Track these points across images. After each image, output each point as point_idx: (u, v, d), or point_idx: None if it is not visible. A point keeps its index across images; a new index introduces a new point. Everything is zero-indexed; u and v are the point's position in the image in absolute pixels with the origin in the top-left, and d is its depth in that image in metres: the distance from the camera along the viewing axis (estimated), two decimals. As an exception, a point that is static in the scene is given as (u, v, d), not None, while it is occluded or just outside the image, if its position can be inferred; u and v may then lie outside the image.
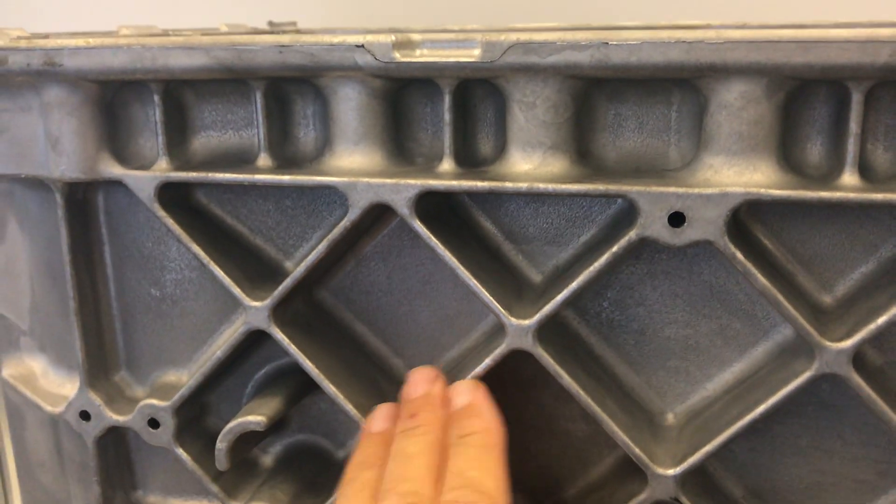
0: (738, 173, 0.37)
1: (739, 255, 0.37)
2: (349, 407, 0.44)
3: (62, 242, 0.45)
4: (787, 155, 0.39)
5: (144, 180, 0.43)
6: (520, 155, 0.40)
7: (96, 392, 0.48)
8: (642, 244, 0.39)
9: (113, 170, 0.44)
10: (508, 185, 0.39)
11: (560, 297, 0.40)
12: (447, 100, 0.41)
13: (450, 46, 0.40)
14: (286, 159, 0.44)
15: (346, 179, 0.41)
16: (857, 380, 0.37)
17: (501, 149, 0.41)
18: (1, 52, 0.42)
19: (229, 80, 0.43)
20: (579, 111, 0.40)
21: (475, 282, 0.41)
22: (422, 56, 0.40)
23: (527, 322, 0.40)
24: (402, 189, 0.40)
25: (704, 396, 0.43)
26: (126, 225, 0.47)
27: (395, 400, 0.46)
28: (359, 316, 0.47)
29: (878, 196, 0.35)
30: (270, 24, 0.83)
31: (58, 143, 0.43)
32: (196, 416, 0.49)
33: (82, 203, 0.46)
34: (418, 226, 0.41)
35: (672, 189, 0.37)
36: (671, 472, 0.40)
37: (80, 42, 0.41)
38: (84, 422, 0.48)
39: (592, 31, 0.38)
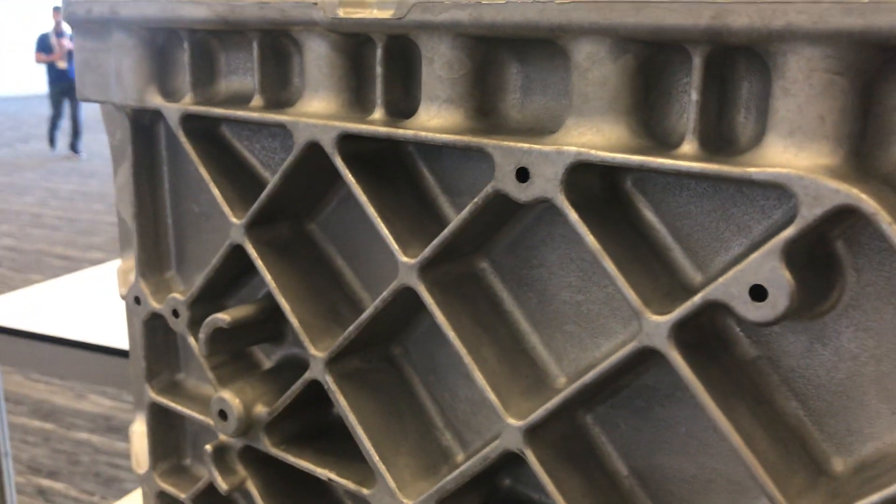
0: (581, 134, 0.38)
1: (572, 215, 0.38)
2: (293, 319, 0.50)
3: (128, 159, 0.57)
4: (649, 121, 0.38)
5: (172, 111, 0.53)
6: (423, 107, 0.44)
7: (146, 283, 0.59)
8: (499, 198, 0.40)
9: (155, 100, 0.54)
10: (379, 129, 0.43)
11: (436, 241, 0.43)
12: (379, 53, 0.45)
13: (381, 6, 0.45)
14: (279, 102, 0.52)
15: (290, 118, 0.47)
16: (676, 358, 0.36)
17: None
18: (87, 4, 0.54)
19: (246, 33, 0.52)
20: (482, 69, 0.43)
21: (378, 218, 0.45)
22: (355, 13, 0.45)
23: (412, 261, 0.44)
24: (328, 130, 0.46)
25: (591, 364, 0.43)
26: (179, 150, 0.57)
27: (348, 323, 0.52)
28: (341, 250, 0.53)
29: (695, 165, 0.34)
30: None
31: (119, 76, 0.55)
32: (215, 307, 0.58)
33: (148, 129, 0.57)
34: (339, 164, 0.46)
35: (518, 144, 0.39)
36: (518, 423, 0.41)
37: (131, -5, 0.52)
38: (136, 306, 0.60)
39: (475, -8, 0.40)
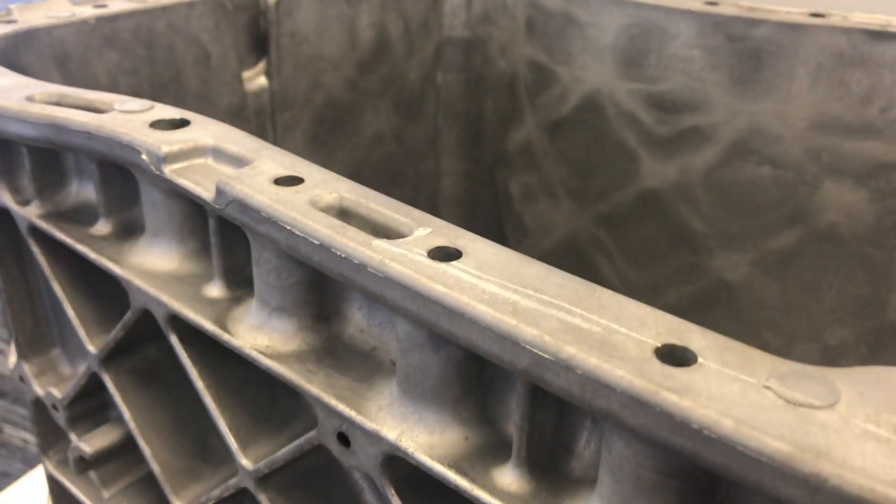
0: (404, 417, 0.32)
1: (395, 501, 0.32)
2: (155, 465, 0.46)
3: (-10, 244, 0.52)
4: (486, 400, 0.32)
5: (21, 218, 0.47)
6: (257, 308, 0.37)
7: (29, 364, 0.55)
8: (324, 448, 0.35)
9: (3, 198, 0.48)
10: (206, 325, 0.38)
11: (271, 459, 0.38)
12: (211, 223, 0.38)
13: (210, 172, 0.37)
14: (127, 225, 0.45)
15: (125, 274, 0.41)
16: None
17: (260, 289, 0.38)
18: (-84, 86, 0.47)
19: (88, 138, 0.44)
20: (319, 274, 0.36)
21: (217, 411, 0.40)
22: (178, 177, 0.38)
23: (250, 467, 0.39)
24: (160, 305, 0.40)
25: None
26: (45, 236, 0.52)
27: (216, 459, 0.48)
28: (215, 368, 0.49)
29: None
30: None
31: (-39, 171, 0.48)
32: (97, 407, 0.54)
33: (7, 213, 0.51)
34: (174, 342, 0.40)
35: (340, 406, 0.33)
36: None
37: (-46, 94, 0.44)
38: (23, 384, 0.56)
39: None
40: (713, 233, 0.72)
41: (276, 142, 0.75)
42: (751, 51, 0.65)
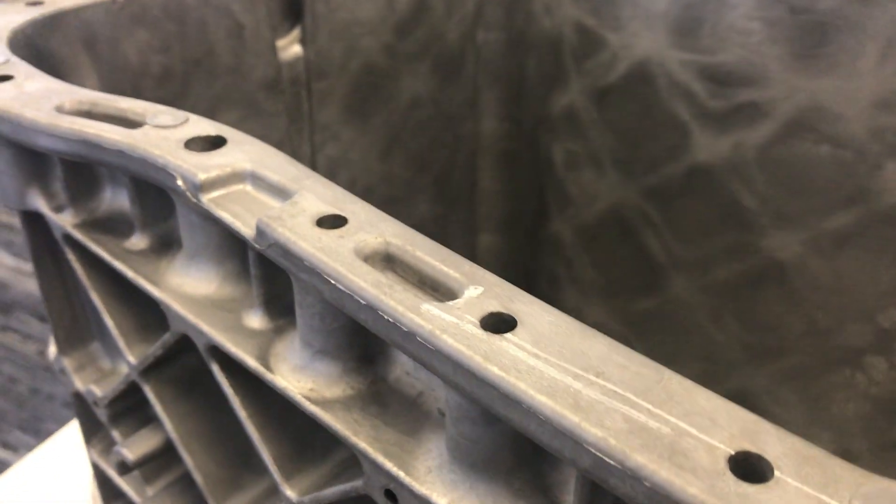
0: (454, 484, 0.30)
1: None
2: (198, 476, 0.46)
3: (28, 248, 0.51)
4: (541, 469, 0.30)
5: (55, 225, 0.46)
6: (299, 345, 0.36)
7: (69, 358, 0.55)
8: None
9: (37, 203, 0.47)
10: (248, 360, 0.36)
11: (316, 494, 0.37)
12: (251, 256, 0.37)
13: (251, 202, 0.36)
14: (161, 240, 0.44)
15: (163, 297, 0.40)
16: None
17: (303, 321, 0.37)
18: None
19: (121, 148, 0.43)
20: (362, 317, 0.34)
21: (260, 440, 0.39)
22: (217, 207, 0.36)
23: (295, 498, 0.38)
24: (201, 334, 0.39)
25: None
26: (80, 235, 0.50)
27: (259, 467, 0.47)
28: (256, 375, 0.48)
29: None
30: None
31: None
32: (138, 404, 0.54)
33: (43, 216, 0.50)
34: (216, 370, 0.39)
35: (388, 464, 0.32)
36: None
37: (-17, 103, 0.43)
38: (64, 377, 0.56)
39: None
40: (766, 211, 0.69)
41: (311, 113, 0.72)
42: (815, 24, 0.61)
